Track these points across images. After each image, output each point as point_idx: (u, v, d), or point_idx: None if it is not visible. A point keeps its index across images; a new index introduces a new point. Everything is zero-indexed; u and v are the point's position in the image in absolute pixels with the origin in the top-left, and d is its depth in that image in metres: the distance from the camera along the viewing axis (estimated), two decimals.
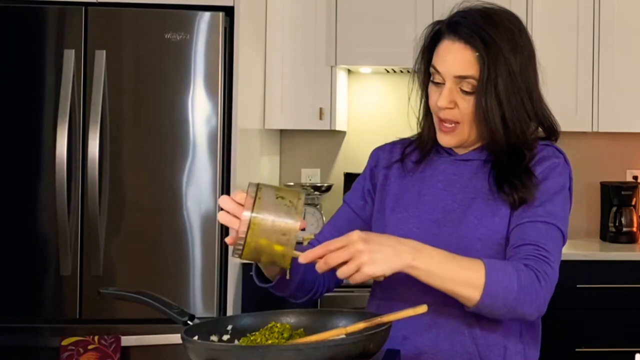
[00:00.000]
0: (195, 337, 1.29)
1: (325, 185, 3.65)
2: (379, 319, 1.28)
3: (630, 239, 3.65)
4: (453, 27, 1.52)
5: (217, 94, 3.00)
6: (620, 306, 3.27)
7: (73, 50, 2.94)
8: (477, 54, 1.48)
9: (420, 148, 1.64)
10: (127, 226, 2.98)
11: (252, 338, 1.34)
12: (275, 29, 3.53)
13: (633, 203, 3.70)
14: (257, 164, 3.47)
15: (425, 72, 1.58)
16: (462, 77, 1.50)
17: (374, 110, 3.91)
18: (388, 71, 3.82)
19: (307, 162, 3.88)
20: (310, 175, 3.87)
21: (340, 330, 1.29)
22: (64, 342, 2.84)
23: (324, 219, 3.59)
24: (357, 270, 1.30)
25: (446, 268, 1.36)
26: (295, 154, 3.88)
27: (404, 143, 1.69)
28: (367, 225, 1.66)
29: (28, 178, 2.95)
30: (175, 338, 1.55)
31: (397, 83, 3.89)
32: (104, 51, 2.95)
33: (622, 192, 3.69)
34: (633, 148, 3.88)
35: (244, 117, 3.18)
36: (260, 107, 3.49)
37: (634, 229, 3.68)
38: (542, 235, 1.47)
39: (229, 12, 3.06)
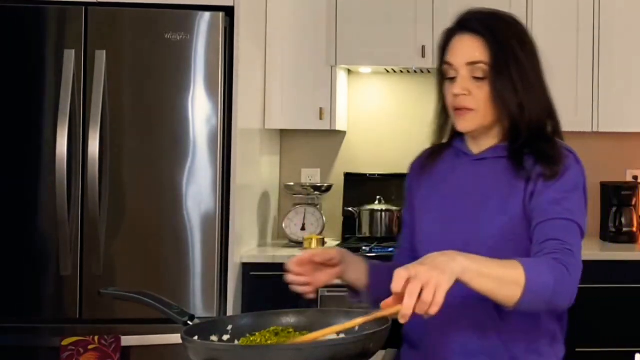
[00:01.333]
0: (195, 337, 1.29)
1: (325, 185, 3.65)
2: (376, 314, 1.28)
3: (630, 239, 3.64)
4: (461, 24, 1.60)
5: (217, 94, 3.00)
6: (620, 306, 3.27)
7: (73, 50, 2.94)
8: (484, 40, 1.56)
9: (439, 152, 1.70)
10: (127, 226, 2.98)
11: (252, 338, 1.34)
12: (275, 29, 3.53)
13: (633, 203, 3.69)
14: (257, 164, 3.47)
15: (440, 75, 1.62)
16: (473, 63, 1.56)
17: (374, 110, 3.91)
18: (388, 71, 3.82)
19: (307, 162, 3.88)
20: (310, 175, 3.86)
21: (334, 328, 1.28)
22: (64, 342, 2.84)
23: (324, 219, 3.58)
24: (435, 292, 1.22)
25: (491, 268, 1.35)
26: (295, 154, 3.88)
27: (427, 152, 1.75)
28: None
29: (28, 178, 2.95)
30: (175, 338, 1.54)
31: (397, 83, 3.89)
32: (104, 51, 2.95)
33: (622, 192, 3.68)
34: (633, 148, 3.87)
35: (244, 117, 3.18)
36: (260, 107, 3.49)
37: (634, 229, 3.67)
38: (562, 231, 1.51)
39: (229, 12, 3.05)
